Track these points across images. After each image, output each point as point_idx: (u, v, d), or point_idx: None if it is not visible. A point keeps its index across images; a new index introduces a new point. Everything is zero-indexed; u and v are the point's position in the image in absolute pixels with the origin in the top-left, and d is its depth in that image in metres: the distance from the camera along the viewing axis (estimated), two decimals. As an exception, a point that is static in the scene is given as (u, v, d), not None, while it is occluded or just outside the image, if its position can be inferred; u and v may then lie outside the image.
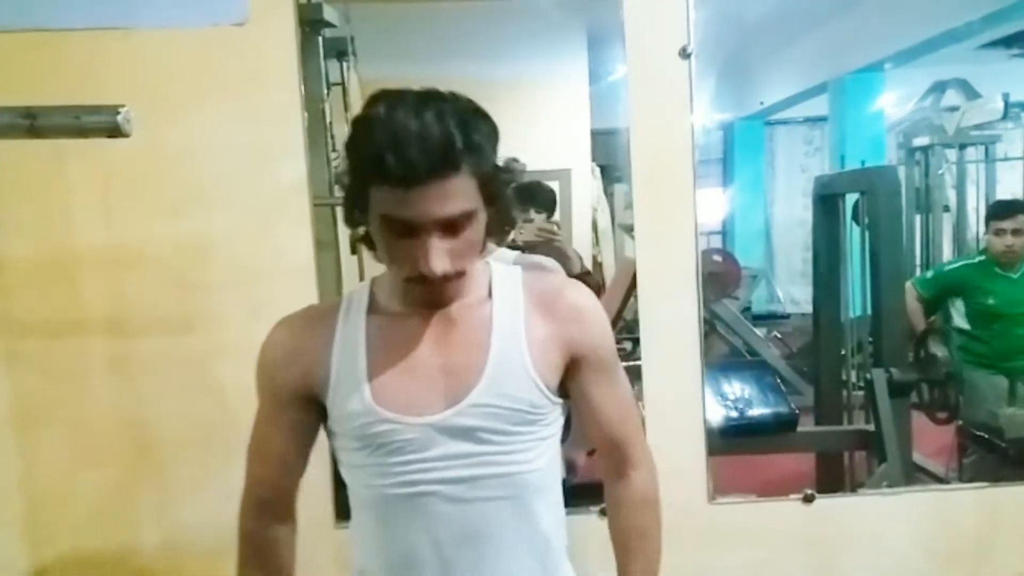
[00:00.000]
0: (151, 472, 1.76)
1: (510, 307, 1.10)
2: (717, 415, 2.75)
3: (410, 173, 0.94)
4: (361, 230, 1.07)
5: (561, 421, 1.16)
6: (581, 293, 1.15)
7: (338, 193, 1.10)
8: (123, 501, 1.76)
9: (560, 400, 1.14)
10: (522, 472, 1.09)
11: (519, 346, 1.08)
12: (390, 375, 1.06)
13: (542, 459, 1.11)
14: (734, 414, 2.82)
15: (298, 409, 1.11)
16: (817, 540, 1.87)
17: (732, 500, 1.89)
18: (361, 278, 2.44)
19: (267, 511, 1.16)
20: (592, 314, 1.14)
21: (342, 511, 1.79)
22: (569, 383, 1.14)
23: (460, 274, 1.03)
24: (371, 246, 1.07)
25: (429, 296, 1.06)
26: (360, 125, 0.98)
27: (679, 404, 1.82)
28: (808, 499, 1.86)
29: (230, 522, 1.76)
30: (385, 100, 0.97)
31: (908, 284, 3.32)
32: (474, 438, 1.06)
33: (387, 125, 0.94)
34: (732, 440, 2.74)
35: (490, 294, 1.11)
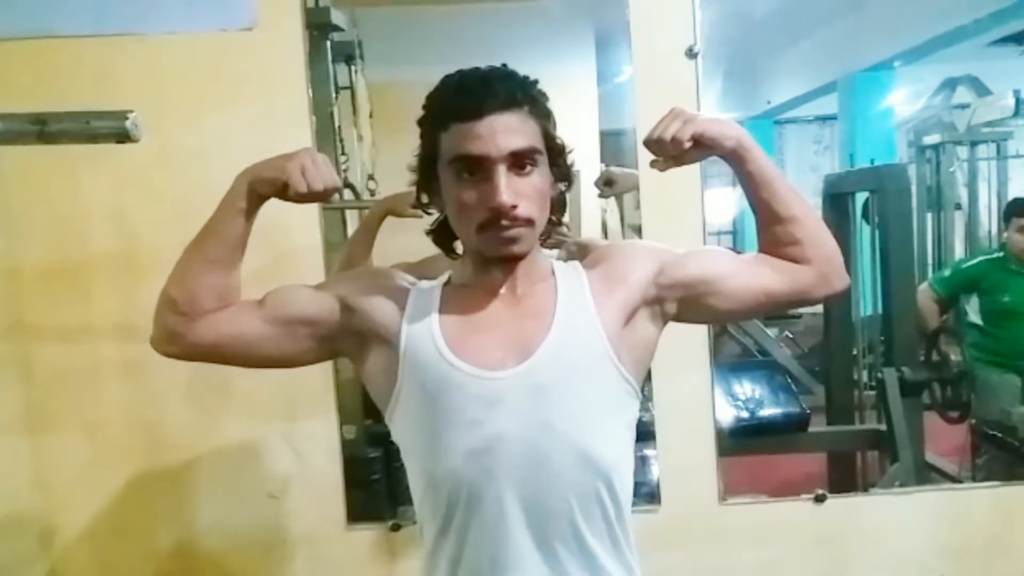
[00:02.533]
0: (164, 475, 1.77)
1: (573, 277, 1.14)
2: (728, 415, 2.74)
3: (478, 103, 1.01)
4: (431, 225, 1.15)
5: (635, 416, 1.14)
6: (620, 244, 1.22)
7: (409, 186, 1.15)
8: (137, 504, 1.77)
9: (636, 386, 1.12)
10: (592, 448, 1.07)
11: (585, 309, 1.10)
12: (462, 332, 1.08)
13: (614, 443, 1.10)
14: (745, 414, 2.82)
15: (342, 311, 1.11)
16: (829, 540, 1.87)
17: (743, 500, 1.88)
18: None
19: (254, 304, 1.14)
20: (631, 243, 1.23)
21: (353, 513, 1.79)
22: (679, 303, 1.14)
23: (529, 222, 1.05)
24: (442, 239, 1.15)
25: (501, 244, 1.05)
26: (432, 92, 1.08)
27: (689, 404, 1.81)
28: (819, 499, 1.85)
29: (244, 524, 1.78)
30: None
31: (924, 285, 3.30)
32: (544, 397, 1.05)
33: (455, 77, 1.06)
34: (743, 440, 2.74)
35: (552, 274, 1.15)
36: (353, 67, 2.21)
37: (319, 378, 1.74)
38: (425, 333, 1.08)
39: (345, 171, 2.17)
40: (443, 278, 1.17)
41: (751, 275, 1.15)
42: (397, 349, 1.09)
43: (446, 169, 1.06)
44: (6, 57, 1.67)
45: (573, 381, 1.07)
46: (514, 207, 1.02)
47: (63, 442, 1.76)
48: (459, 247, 1.16)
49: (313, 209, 1.74)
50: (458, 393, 1.05)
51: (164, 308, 1.12)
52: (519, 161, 1.03)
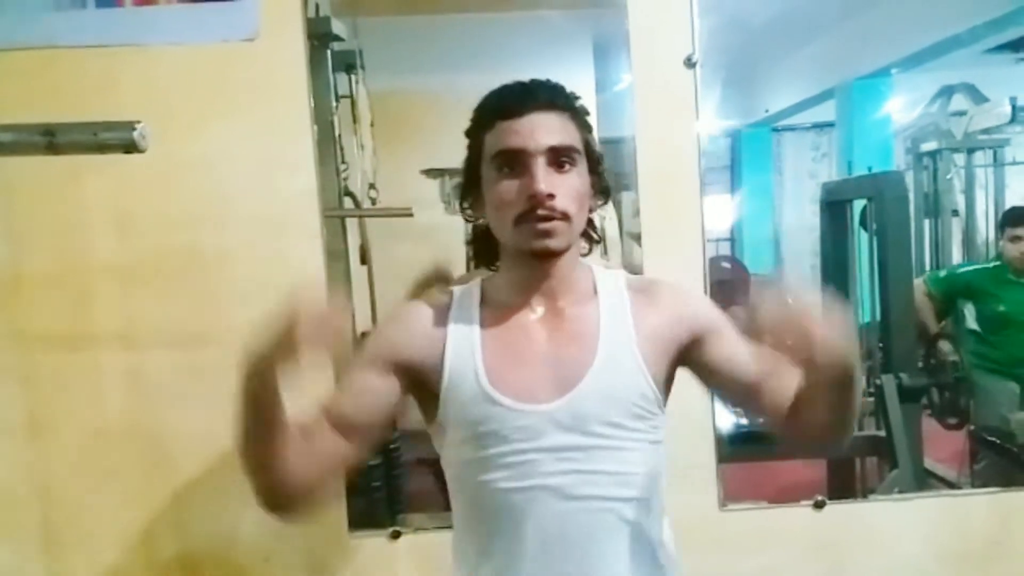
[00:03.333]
0: (166, 483, 1.77)
1: (616, 302, 1.15)
2: (727, 422, 2.74)
3: (521, 101, 1.07)
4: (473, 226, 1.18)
5: (664, 431, 1.16)
6: (676, 283, 1.22)
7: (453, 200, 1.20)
8: (138, 512, 1.78)
9: (664, 407, 1.15)
10: (628, 473, 1.10)
11: (628, 337, 1.12)
12: (503, 363, 1.10)
13: (647, 465, 1.12)
14: (744, 420, 2.82)
15: (390, 375, 1.12)
16: (828, 546, 1.87)
17: (743, 507, 1.89)
18: (371, 287, 2.46)
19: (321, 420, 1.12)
20: (692, 293, 1.25)
21: (354, 520, 1.80)
22: (698, 362, 1.15)
23: (566, 216, 1.07)
24: (481, 252, 1.18)
25: (536, 236, 1.07)
26: (480, 101, 1.13)
27: (689, 411, 1.81)
28: (819, 505, 1.86)
29: (245, 532, 1.78)
30: None
31: (919, 280, 3.31)
32: (584, 429, 1.08)
33: (501, 86, 1.12)
34: (742, 447, 2.74)
35: (595, 292, 1.16)
36: (354, 76, 2.22)
37: (320, 387, 1.75)
38: (468, 369, 1.10)
39: (345, 179, 2.18)
40: (477, 284, 1.18)
41: (768, 391, 1.12)
42: (440, 383, 1.11)
43: (488, 166, 1.09)
44: (9, 68, 1.67)
45: (612, 413, 1.09)
46: (551, 196, 1.05)
47: (64, 449, 1.76)
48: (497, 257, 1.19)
49: (314, 216, 1.75)
50: (499, 426, 1.08)
51: (262, 503, 1.11)
52: (557, 158, 1.07)
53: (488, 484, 1.09)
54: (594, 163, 1.13)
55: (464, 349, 1.11)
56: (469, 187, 1.15)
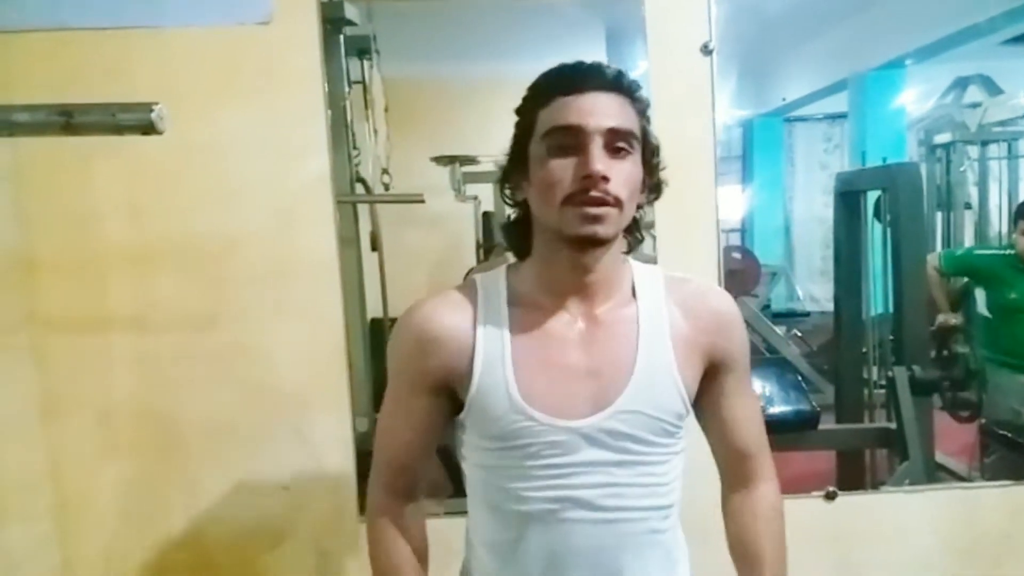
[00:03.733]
0: (177, 465, 1.78)
1: (655, 309, 1.08)
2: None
3: (584, 78, 1.01)
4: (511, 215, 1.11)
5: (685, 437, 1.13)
6: (724, 299, 1.14)
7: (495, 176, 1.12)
8: (150, 494, 1.78)
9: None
10: (657, 484, 1.08)
11: (666, 353, 1.06)
12: (536, 374, 1.03)
13: (673, 473, 1.11)
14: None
15: (432, 397, 1.07)
16: (839, 538, 1.87)
17: (753, 497, 1.88)
18: (381, 274, 2.46)
19: (395, 492, 1.13)
20: (736, 321, 1.13)
21: (365, 505, 1.80)
22: (703, 390, 1.12)
23: (618, 202, 0.99)
24: (515, 232, 1.10)
25: (585, 221, 0.99)
26: (537, 78, 1.05)
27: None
28: (830, 496, 1.85)
29: (256, 514, 1.79)
30: None
31: (931, 255, 3.29)
32: (616, 447, 1.04)
33: (561, 64, 1.04)
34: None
35: (633, 294, 1.09)
36: (367, 61, 2.21)
37: (332, 371, 1.75)
38: (498, 379, 1.03)
39: (357, 165, 2.18)
40: (502, 274, 1.10)
41: (733, 467, 1.19)
42: (468, 389, 1.04)
43: (539, 144, 1.01)
44: (23, 49, 1.67)
45: (645, 432, 1.05)
46: (605, 179, 0.97)
47: (77, 432, 1.77)
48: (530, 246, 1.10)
49: (327, 203, 1.74)
50: (531, 440, 1.03)
51: None
52: (615, 142, 1.00)
53: (514, 491, 1.05)
54: (649, 154, 1.06)
55: (494, 356, 1.04)
56: (514, 167, 1.06)
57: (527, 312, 1.06)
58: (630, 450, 1.05)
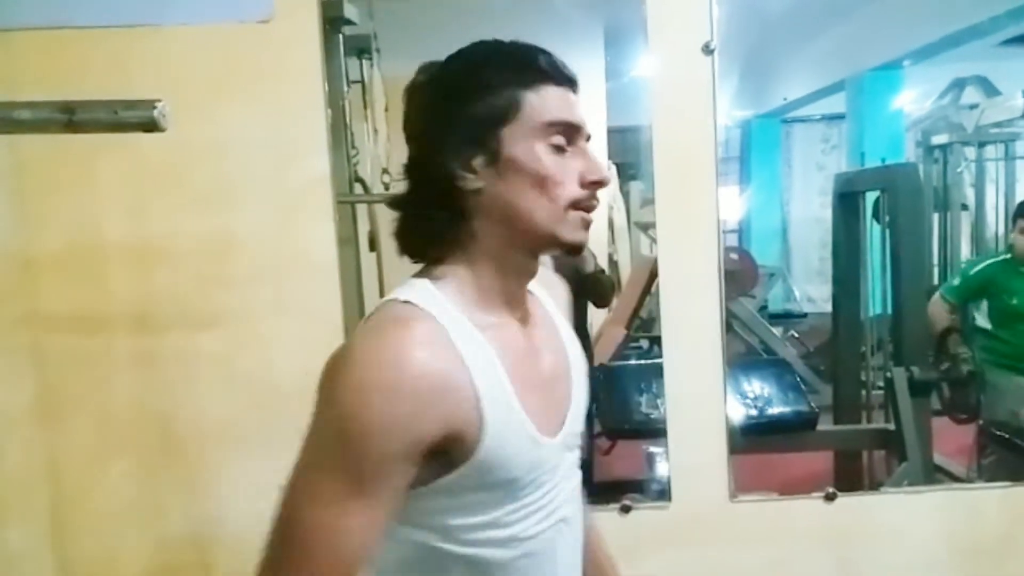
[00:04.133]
0: (176, 465, 1.77)
1: (545, 298, 1.04)
2: (737, 413, 2.74)
3: (570, 73, 0.91)
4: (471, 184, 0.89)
5: None
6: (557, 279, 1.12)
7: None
8: (149, 494, 1.78)
9: None
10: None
11: (574, 340, 1.04)
12: (528, 397, 0.89)
13: None
14: (754, 412, 2.82)
15: (416, 470, 0.83)
16: (839, 538, 1.87)
17: (754, 498, 1.88)
18: (380, 274, 2.45)
19: None
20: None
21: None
22: None
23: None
24: (436, 235, 0.91)
25: (582, 228, 0.92)
26: (490, 47, 0.91)
27: (701, 402, 1.81)
28: (830, 497, 1.85)
29: (255, 515, 1.78)
30: None
31: (936, 296, 3.27)
32: (575, 446, 1.00)
33: (513, 42, 0.91)
34: (752, 438, 2.74)
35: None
36: (366, 60, 2.21)
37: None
38: (510, 415, 0.87)
39: (356, 165, 2.17)
40: (435, 294, 0.89)
41: None
42: (478, 442, 0.84)
43: (532, 134, 0.87)
44: (24, 46, 1.66)
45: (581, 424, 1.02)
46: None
47: (76, 431, 1.76)
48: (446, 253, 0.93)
49: (327, 202, 1.74)
50: (541, 469, 0.92)
51: None
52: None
53: (512, 540, 0.91)
54: None
55: (497, 394, 0.86)
56: (475, 143, 0.88)
57: (494, 332, 0.89)
58: (576, 445, 1.01)
